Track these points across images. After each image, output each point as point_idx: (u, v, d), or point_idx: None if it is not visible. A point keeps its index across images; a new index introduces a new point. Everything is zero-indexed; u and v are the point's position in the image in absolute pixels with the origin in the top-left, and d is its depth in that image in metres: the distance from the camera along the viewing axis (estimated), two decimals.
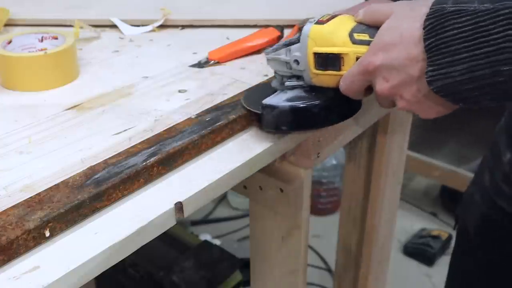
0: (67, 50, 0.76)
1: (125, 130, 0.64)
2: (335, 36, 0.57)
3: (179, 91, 0.74)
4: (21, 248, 0.48)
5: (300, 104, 0.61)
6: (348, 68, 0.58)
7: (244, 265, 1.33)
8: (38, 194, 0.52)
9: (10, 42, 0.78)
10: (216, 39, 0.90)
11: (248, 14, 0.99)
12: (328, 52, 0.58)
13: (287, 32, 0.90)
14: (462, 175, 1.86)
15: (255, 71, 0.80)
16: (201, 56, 0.84)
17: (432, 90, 0.49)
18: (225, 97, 0.71)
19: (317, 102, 0.61)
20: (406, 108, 0.54)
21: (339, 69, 0.58)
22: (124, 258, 0.51)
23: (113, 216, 0.53)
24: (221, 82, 0.76)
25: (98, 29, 0.94)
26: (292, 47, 0.61)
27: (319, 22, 0.59)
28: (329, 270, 1.79)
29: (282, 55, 0.63)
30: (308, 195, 0.78)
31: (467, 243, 0.79)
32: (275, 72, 0.67)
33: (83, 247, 0.49)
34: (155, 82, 0.77)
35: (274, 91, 0.66)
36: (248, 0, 1.09)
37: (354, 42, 0.57)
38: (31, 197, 0.52)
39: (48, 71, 0.75)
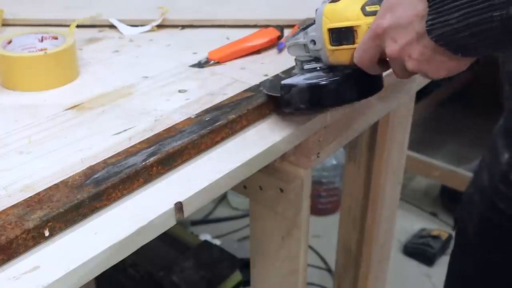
0: (67, 50, 0.76)
1: (125, 130, 0.64)
2: (348, 11, 0.59)
3: (179, 91, 0.74)
4: (20, 248, 0.48)
5: (318, 81, 0.62)
6: None
7: (244, 265, 1.33)
8: (38, 193, 0.52)
9: (10, 42, 0.78)
10: (216, 39, 0.90)
11: (248, 14, 0.99)
12: (342, 26, 0.60)
13: (287, 32, 0.90)
14: (462, 175, 1.86)
15: (255, 71, 0.80)
16: (201, 56, 0.84)
17: (432, 40, 0.50)
18: (225, 97, 0.71)
19: (334, 78, 0.62)
20: (416, 69, 0.54)
21: (353, 42, 0.60)
22: (124, 258, 0.51)
23: (113, 216, 0.53)
24: (221, 82, 0.76)
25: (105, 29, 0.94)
26: (309, 29, 0.64)
27: (333, 1, 0.61)
28: (329, 270, 1.79)
29: (300, 39, 0.65)
30: (308, 195, 0.78)
31: (466, 243, 0.79)
32: (295, 60, 0.69)
33: (83, 247, 0.49)
34: (155, 82, 0.77)
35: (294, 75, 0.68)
36: (248, 0, 1.09)
37: (366, 14, 0.58)
38: (30, 196, 0.52)
39: (48, 71, 0.75)
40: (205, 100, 0.71)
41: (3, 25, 0.95)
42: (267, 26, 0.93)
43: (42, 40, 0.81)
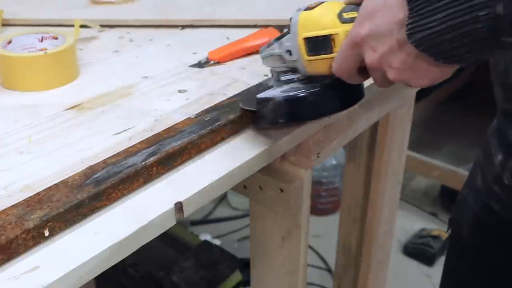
0: (67, 50, 0.76)
1: (125, 130, 0.64)
2: (324, 18, 0.56)
3: (179, 91, 0.74)
4: (20, 248, 0.48)
5: (296, 93, 0.59)
6: None
7: (244, 265, 1.33)
8: (38, 193, 0.52)
9: (10, 42, 0.78)
10: (216, 39, 0.90)
11: (248, 14, 0.99)
12: (318, 35, 0.57)
13: None
14: (462, 175, 1.86)
15: (255, 71, 0.80)
16: (201, 56, 0.84)
17: (412, 45, 0.47)
18: (225, 97, 0.71)
19: (312, 90, 0.59)
20: (397, 78, 0.52)
21: (331, 52, 0.57)
22: (124, 258, 0.51)
23: (113, 216, 0.53)
24: (221, 82, 0.77)
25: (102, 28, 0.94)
26: (283, 38, 0.60)
27: (308, 9, 0.58)
28: (329, 270, 1.79)
29: (276, 49, 0.62)
30: (308, 195, 0.78)
31: (460, 244, 0.79)
32: (271, 71, 0.66)
33: (83, 247, 0.49)
34: (155, 82, 0.77)
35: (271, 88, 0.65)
36: (248, 0, 1.09)
37: (344, 21, 0.56)
38: (30, 196, 0.52)
39: (48, 71, 0.75)
40: (205, 100, 0.71)
41: (3, 25, 0.95)
42: (267, 26, 0.93)
43: (42, 40, 0.81)
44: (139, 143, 0.61)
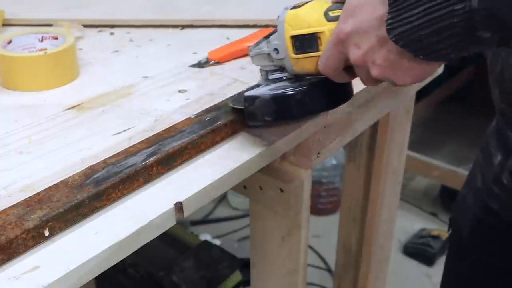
0: (67, 50, 0.76)
1: (125, 130, 0.64)
2: (311, 17, 0.57)
3: (179, 91, 0.74)
4: (20, 248, 0.48)
5: (283, 91, 0.59)
6: None
7: (244, 265, 1.33)
8: (38, 193, 0.52)
9: (10, 42, 0.78)
10: (216, 39, 0.90)
11: (248, 14, 0.99)
12: (304, 33, 0.57)
13: None
14: (462, 175, 1.86)
15: (255, 71, 0.79)
16: (201, 56, 0.84)
17: (392, 40, 0.47)
18: (225, 97, 0.71)
19: (299, 88, 0.59)
20: (381, 75, 0.51)
21: (317, 50, 0.57)
22: (124, 258, 0.51)
23: (113, 216, 0.53)
24: (221, 82, 0.77)
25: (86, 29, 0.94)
26: (271, 37, 0.61)
27: (295, 7, 0.58)
28: (329, 270, 1.79)
29: (264, 47, 0.62)
30: (308, 195, 0.78)
31: (460, 244, 0.79)
32: (260, 70, 0.66)
33: (83, 247, 0.49)
34: (155, 82, 0.77)
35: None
36: (248, 0, 1.09)
37: (329, 19, 0.56)
38: (30, 196, 0.52)
39: (48, 71, 0.75)
40: (205, 100, 0.71)
41: (3, 25, 0.95)
42: (267, 26, 0.93)
43: (42, 40, 0.81)
44: (139, 143, 0.61)
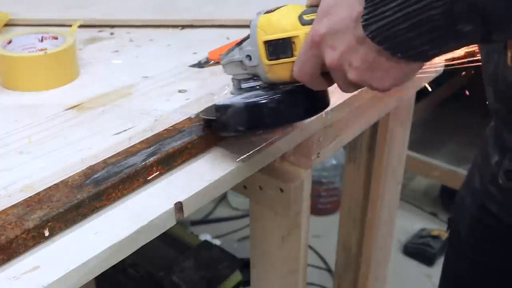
0: (67, 50, 0.76)
1: (125, 130, 0.64)
2: (285, 21, 0.54)
3: (179, 91, 0.74)
4: (20, 248, 0.48)
5: (256, 100, 0.56)
6: None
7: (244, 265, 1.33)
8: (38, 193, 0.52)
9: (10, 42, 0.78)
10: (216, 39, 0.90)
11: (248, 14, 0.99)
12: (278, 38, 0.54)
13: None
14: (462, 175, 1.85)
15: None
16: (201, 56, 0.84)
17: (368, 37, 0.45)
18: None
19: (273, 96, 0.56)
20: (358, 78, 0.49)
21: (292, 55, 0.54)
22: (124, 258, 0.51)
23: (113, 216, 0.53)
24: (221, 82, 0.76)
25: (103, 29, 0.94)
26: (244, 43, 0.58)
27: (268, 12, 0.56)
28: (329, 270, 1.79)
29: (236, 55, 0.59)
30: (308, 195, 0.78)
31: (458, 244, 0.79)
32: (232, 79, 0.63)
33: (83, 247, 0.49)
34: (155, 82, 0.77)
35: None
36: (248, 0, 1.09)
37: (304, 23, 0.53)
38: (30, 196, 0.52)
39: (48, 71, 0.75)
40: (205, 100, 0.71)
41: (4, 25, 0.95)
42: None
43: (42, 40, 0.81)
44: (139, 143, 0.61)
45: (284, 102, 0.56)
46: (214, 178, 0.59)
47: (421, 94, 1.69)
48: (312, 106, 0.59)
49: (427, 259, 1.81)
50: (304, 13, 0.54)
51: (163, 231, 0.54)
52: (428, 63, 0.48)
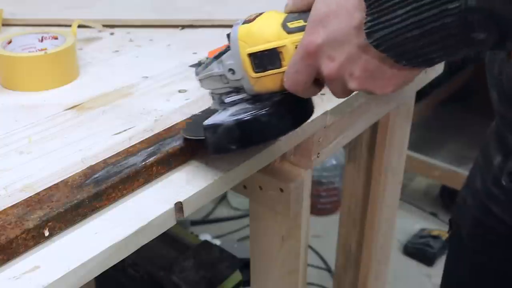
0: (67, 50, 0.76)
1: (125, 130, 0.64)
2: (267, 30, 0.52)
3: (179, 91, 0.74)
4: (20, 248, 0.48)
5: (246, 115, 0.53)
6: None
7: (244, 265, 1.32)
8: (38, 193, 0.52)
9: (10, 42, 0.78)
10: (216, 39, 0.90)
11: (248, 14, 0.99)
12: (263, 49, 0.51)
13: None
14: (462, 175, 1.85)
15: None
16: (201, 56, 0.84)
17: (372, 45, 0.43)
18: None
19: (264, 110, 0.53)
20: (359, 88, 0.48)
21: (280, 66, 0.52)
22: (124, 258, 0.51)
23: (113, 216, 0.53)
24: None
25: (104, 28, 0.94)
26: (223, 56, 0.55)
27: (246, 22, 0.54)
28: (329, 270, 1.79)
29: (215, 69, 0.56)
30: (308, 195, 0.78)
31: (460, 245, 0.79)
32: (211, 94, 0.60)
33: (83, 247, 0.49)
34: (155, 82, 0.77)
35: (215, 113, 0.58)
36: (248, 0, 1.09)
37: (290, 31, 0.51)
38: (30, 196, 0.52)
39: (48, 71, 0.75)
40: (205, 100, 0.71)
41: (3, 25, 0.95)
42: None
43: (42, 40, 0.81)
44: (139, 143, 0.61)
45: (275, 115, 0.54)
46: (214, 178, 0.59)
47: (421, 94, 1.69)
48: (302, 114, 0.57)
49: (427, 259, 1.81)
50: (286, 20, 0.51)
51: (163, 231, 0.54)
52: None
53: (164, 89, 0.75)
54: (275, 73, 0.52)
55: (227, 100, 0.57)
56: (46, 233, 0.49)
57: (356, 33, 0.44)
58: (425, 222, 1.98)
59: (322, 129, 0.75)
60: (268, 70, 0.53)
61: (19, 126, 0.66)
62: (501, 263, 0.72)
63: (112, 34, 0.95)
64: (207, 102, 0.70)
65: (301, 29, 0.50)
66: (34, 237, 0.49)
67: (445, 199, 2.06)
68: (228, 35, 0.54)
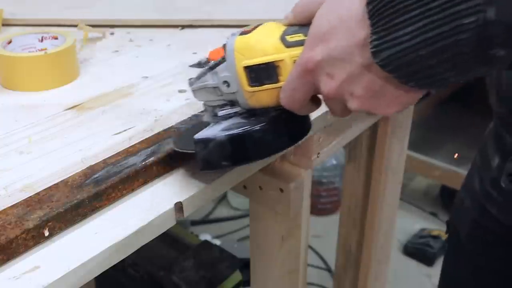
0: (67, 50, 0.76)
1: (125, 130, 0.64)
2: (265, 43, 0.49)
3: (179, 91, 0.74)
4: (20, 248, 0.48)
5: (239, 131, 0.51)
6: None
7: (244, 265, 1.32)
8: (38, 193, 0.52)
9: (10, 42, 0.78)
10: (216, 39, 0.90)
11: (248, 14, 0.99)
12: (260, 62, 0.49)
13: None
14: (462, 175, 1.85)
15: None
16: (201, 56, 0.84)
17: (378, 65, 0.40)
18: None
19: (259, 126, 0.51)
20: (360, 107, 0.45)
21: (277, 80, 0.49)
22: (124, 258, 0.51)
23: (113, 216, 0.53)
24: None
25: (103, 29, 0.94)
26: (218, 68, 0.53)
27: (244, 33, 0.51)
28: (329, 270, 1.79)
29: (209, 80, 0.54)
30: (308, 195, 0.78)
31: (458, 247, 0.78)
32: (204, 105, 0.57)
33: (83, 247, 0.49)
34: (155, 82, 0.77)
35: (208, 126, 0.56)
36: (248, 0, 1.09)
37: (288, 45, 0.48)
38: (30, 196, 0.52)
39: (48, 71, 0.75)
40: None
41: (3, 25, 0.95)
42: None
43: (42, 40, 0.81)
44: (139, 143, 0.61)
45: (270, 131, 0.52)
46: (214, 178, 0.59)
47: None
48: (298, 132, 0.55)
49: (427, 259, 1.81)
50: (285, 33, 0.49)
51: (163, 231, 0.54)
52: None
53: (164, 89, 0.75)
54: (271, 88, 0.50)
55: (221, 113, 0.55)
56: (46, 233, 0.49)
57: (359, 52, 0.42)
58: (425, 222, 1.98)
59: (322, 129, 0.75)
60: (264, 85, 0.50)
61: (19, 126, 0.66)
62: (499, 263, 0.72)
63: (112, 34, 0.95)
64: None
65: (300, 43, 0.48)
66: (34, 237, 0.49)
67: (445, 199, 2.06)
68: (224, 46, 0.52)
